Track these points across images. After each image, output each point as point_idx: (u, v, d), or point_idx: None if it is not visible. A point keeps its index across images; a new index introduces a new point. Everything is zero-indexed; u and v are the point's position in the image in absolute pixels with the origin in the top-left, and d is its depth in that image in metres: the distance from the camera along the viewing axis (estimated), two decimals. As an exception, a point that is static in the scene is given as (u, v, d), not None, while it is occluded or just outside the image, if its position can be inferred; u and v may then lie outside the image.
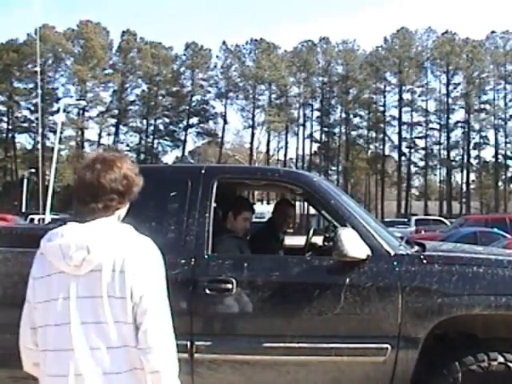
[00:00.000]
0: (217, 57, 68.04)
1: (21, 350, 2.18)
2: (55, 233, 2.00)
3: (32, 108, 63.91)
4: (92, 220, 2.00)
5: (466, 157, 65.99)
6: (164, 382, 1.92)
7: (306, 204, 35.86)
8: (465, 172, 67.03)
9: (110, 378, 1.90)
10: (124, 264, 1.92)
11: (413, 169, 68.42)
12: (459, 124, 66.41)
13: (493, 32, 65.57)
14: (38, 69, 36.48)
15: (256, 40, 67.18)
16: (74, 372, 1.90)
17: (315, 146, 69.99)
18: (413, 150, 67.09)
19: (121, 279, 1.90)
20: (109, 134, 68.46)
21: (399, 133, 66.51)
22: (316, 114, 68.78)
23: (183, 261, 3.61)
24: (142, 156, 67.88)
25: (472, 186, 68.86)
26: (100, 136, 67.77)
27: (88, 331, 1.91)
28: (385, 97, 67.26)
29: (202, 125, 69.65)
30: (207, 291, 3.58)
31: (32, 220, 31.41)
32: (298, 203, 55.89)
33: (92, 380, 1.90)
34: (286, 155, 68.95)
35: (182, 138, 69.16)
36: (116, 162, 2.07)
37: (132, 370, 1.93)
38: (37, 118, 53.09)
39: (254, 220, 4.83)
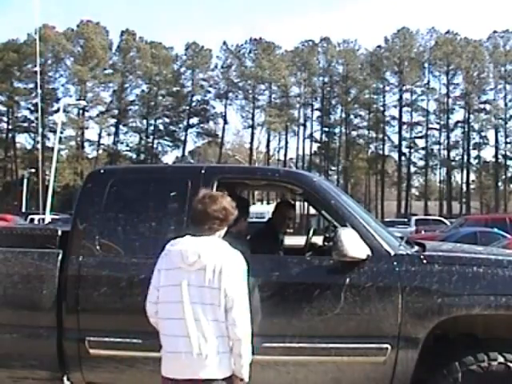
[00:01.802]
0: (217, 57, 68.14)
1: (147, 314, 3.02)
2: (177, 241, 2.94)
3: (32, 108, 63.86)
4: (200, 236, 2.92)
5: (466, 157, 65.93)
6: (243, 346, 2.84)
7: (306, 204, 35.82)
8: (465, 172, 66.98)
9: (206, 340, 2.79)
10: (222, 268, 2.81)
11: (413, 169, 68.35)
12: (459, 124, 66.35)
13: (494, 32, 65.57)
14: (38, 69, 36.45)
15: (256, 39, 67.17)
16: (183, 334, 2.79)
17: (315, 146, 69.99)
18: (413, 150, 67.03)
19: (218, 277, 2.80)
20: (109, 134, 68.45)
21: (399, 133, 66.47)
22: (316, 113, 68.80)
23: (183, 261, 3.64)
24: (142, 156, 67.85)
25: (472, 186, 68.79)
26: (100, 136, 67.80)
27: (194, 308, 2.80)
28: (385, 97, 67.21)
29: (202, 125, 69.59)
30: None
31: (32, 220, 31.38)
32: (297, 203, 55.81)
33: (195, 340, 2.78)
34: (286, 155, 69.01)
35: (182, 138, 69.14)
36: (218, 198, 3.00)
37: (223, 337, 2.82)
38: (37, 118, 53.11)
39: (254, 220, 4.84)
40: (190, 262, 2.82)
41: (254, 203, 55.10)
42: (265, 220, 5.76)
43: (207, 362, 2.80)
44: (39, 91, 41.54)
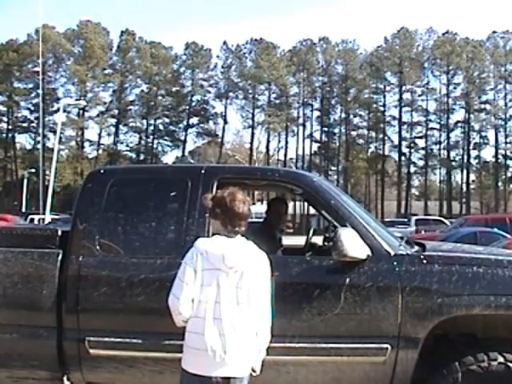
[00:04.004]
0: (217, 57, 68.15)
1: (176, 312, 2.97)
2: (214, 243, 2.97)
3: (32, 108, 63.91)
4: (235, 236, 3.01)
5: (465, 157, 65.91)
6: (264, 342, 3.00)
7: (306, 204, 35.80)
8: (465, 172, 66.98)
9: (241, 339, 2.89)
10: (256, 269, 2.97)
11: (413, 169, 68.37)
12: (459, 124, 66.35)
13: (494, 32, 65.58)
14: (38, 69, 36.45)
15: (256, 40, 67.18)
16: (219, 333, 2.86)
17: (315, 146, 70.00)
18: (413, 150, 67.05)
19: (253, 278, 2.94)
20: (109, 134, 68.45)
21: (399, 133, 66.47)
22: (316, 113, 68.80)
23: (183, 261, 3.64)
24: (142, 156, 67.85)
25: (472, 186, 68.77)
26: (100, 136, 67.80)
27: (230, 308, 2.89)
28: (385, 97, 67.20)
29: (202, 125, 69.59)
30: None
31: (32, 220, 31.40)
32: (297, 203, 55.65)
33: (230, 340, 2.86)
34: (286, 155, 68.99)
35: (182, 138, 69.14)
36: (245, 197, 3.08)
37: (252, 335, 2.94)
38: (36, 118, 53.13)
39: (254, 220, 4.84)
40: (231, 265, 2.90)
41: (254, 203, 55.10)
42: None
43: (241, 360, 2.90)
44: (40, 91, 41.53)
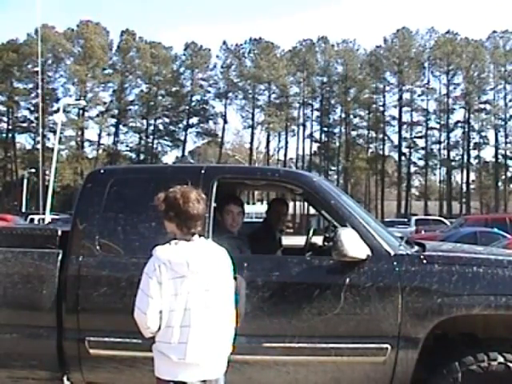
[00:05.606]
0: (217, 57, 68.15)
1: (144, 326, 2.85)
2: (177, 250, 2.84)
3: (32, 108, 63.89)
4: (193, 238, 2.90)
5: (466, 157, 65.94)
6: (228, 341, 2.98)
7: (306, 204, 35.79)
8: (465, 172, 66.99)
9: (215, 342, 2.86)
10: (221, 269, 2.93)
11: (413, 169, 68.38)
12: (459, 124, 66.36)
13: (494, 32, 65.58)
14: (38, 69, 36.45)
15: (255, 39, 67.17)
16: (191, 339, 2.79)
17: (315, 146, 70.00)
18: (413, 150, 67.05)
19: (219, 279, 2.90)
20: (109, 134, 68.46)
21: (399, 133, 66.48)
22: (316, 113, 68.77)
23: (183, 261, 3.63)
24: (142, 156, 67.84)
25: (472, 186, 68.80)
26: (100, 136, 67.79)
27: (201, 312, 2.82)
28: (384, 97, 67.21)
29: (201, 125, 69.59)
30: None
31: (32, 220, 31.38)
32: (298, 203, 55.68)
33: (203, 343, 2.81)
34: (286, 155, 68.99)
35: (182, 138, 69.13)
36: (200, 195, 2.95)
37: (224, 335, 2.91)
38: (36, 118, 53.11)
39: (254, 220, 4.85)
40: (197, 270, 2.82)
41: (254, 203, 55.11)
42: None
43: (215, 362, 2.90)
44: (39, 91, 41.52)
